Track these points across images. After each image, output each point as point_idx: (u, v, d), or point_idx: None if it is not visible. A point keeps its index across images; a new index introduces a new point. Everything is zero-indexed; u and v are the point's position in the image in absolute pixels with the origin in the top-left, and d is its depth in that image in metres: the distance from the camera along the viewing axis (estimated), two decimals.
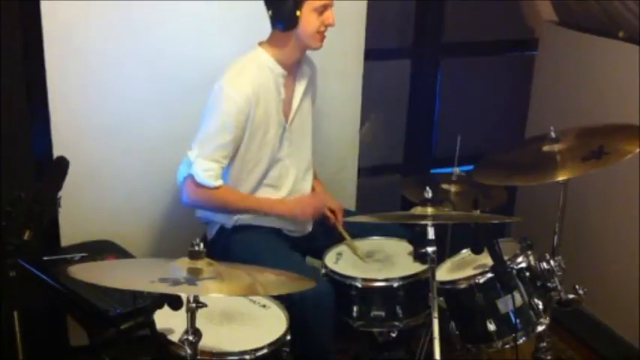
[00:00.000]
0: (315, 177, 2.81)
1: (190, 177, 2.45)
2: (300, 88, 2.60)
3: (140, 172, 2.87)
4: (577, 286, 2.35)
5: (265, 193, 2.59)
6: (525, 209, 3.59)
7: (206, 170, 2.43)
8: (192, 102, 2.66)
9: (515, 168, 2.56)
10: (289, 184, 2.62)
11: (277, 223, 2.61)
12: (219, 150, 2.44)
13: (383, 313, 2.41)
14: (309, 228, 2.69)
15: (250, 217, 2.58)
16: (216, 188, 2.45)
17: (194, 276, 1.79)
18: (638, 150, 2.30)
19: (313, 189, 2.75)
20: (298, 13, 2.40)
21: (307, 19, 2.42)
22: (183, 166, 2.49)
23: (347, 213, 2.74)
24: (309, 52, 2.59)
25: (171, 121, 2.84)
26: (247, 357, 2.06)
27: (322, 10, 2.43)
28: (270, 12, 2.45)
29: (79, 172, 2.38)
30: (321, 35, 2.47)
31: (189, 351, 1.86)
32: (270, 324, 2.19)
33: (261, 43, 2.53)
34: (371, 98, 3.26)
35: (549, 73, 3.56)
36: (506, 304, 2.30)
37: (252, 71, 2.46)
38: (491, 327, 2.31)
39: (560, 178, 2.38)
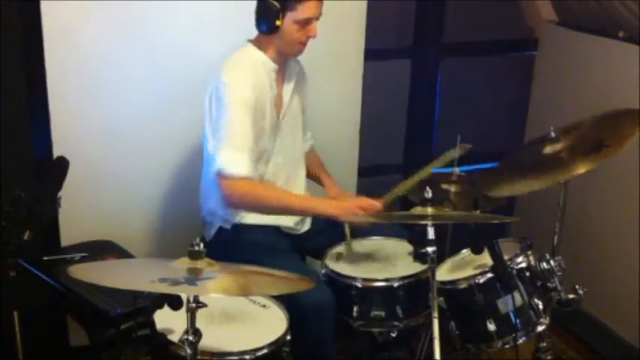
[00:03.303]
0: (329, 177, 2.82)
1: (222, 173, 2.38)
2: (289, 83, 2.61)
3: (140, 171, 2.87)
4: (577, 286, 2.35)
5: None
6: (525, 209, 3.58)
7: (238, 161, 2.37)
8: (192, 102, 2.66)
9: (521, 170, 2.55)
10: (282, 181, 2.62)
11: (276, 221, 2.60)
12: (244, 139, 2.39)
13: (383, 313, 2.41)
14: (307, 226, 2.69)
15: (251, 216, 2.57)
16: (253, 180, 2.41)
17: (194, 276, 1.79)
18: (638, 134, 2.31)
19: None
20: (278, 22, 2.40)
21: (288, 29, 2.42)
22: (207, 166, 2.44)
23: None
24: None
25: (171, 121, 2.83)
26: (247, 357, 2.05)
27: (305, 23, 2.42)
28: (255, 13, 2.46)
29: (79, 172, 2.38)
30: (301, 45, 2.48)
31: (189, 351, 1.85)
32: (270, 324, 2.19)
33: (250, 40, 2.54)
34: (371, 98, 3.25)
35: (549, 73, 3.56)
36: (506, 304, 2.30)
37: (248, 65, 2.47)
38: (491, 327, 2.31)
39: (565, 177, 2.38)
